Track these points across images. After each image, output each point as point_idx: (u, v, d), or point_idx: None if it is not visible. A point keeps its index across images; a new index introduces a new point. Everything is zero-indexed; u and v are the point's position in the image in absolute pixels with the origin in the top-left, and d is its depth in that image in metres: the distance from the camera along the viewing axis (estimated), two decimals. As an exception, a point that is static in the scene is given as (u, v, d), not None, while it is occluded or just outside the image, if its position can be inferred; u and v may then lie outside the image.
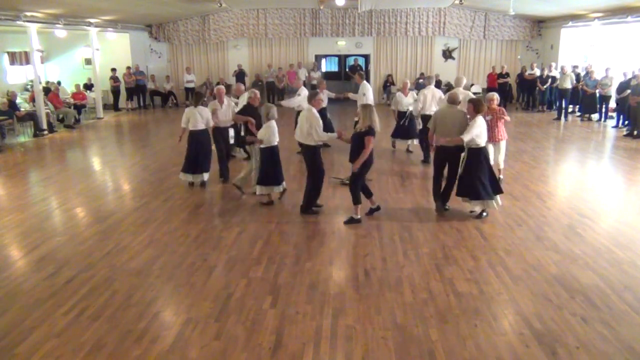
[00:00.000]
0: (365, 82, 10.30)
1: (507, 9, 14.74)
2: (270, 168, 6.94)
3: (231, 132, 8.38)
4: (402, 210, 6.88)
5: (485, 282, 4.83)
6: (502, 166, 8.13)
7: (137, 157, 10.80)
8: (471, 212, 6.72)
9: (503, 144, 7.91)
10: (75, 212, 7.20)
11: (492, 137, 7.52)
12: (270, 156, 6.91)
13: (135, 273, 5.10)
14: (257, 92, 7.82)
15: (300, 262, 5.32)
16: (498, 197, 6.54)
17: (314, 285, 4.78)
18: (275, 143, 6.90)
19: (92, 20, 15.00)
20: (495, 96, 7.74)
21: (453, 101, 6.84)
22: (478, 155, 6.37)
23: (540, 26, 18.06)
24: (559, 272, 5.01)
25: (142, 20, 17.71)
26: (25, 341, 3.91)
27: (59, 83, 16.58)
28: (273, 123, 6.83)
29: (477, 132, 6.26)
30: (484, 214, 6.62)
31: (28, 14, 11.98)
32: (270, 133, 6.80)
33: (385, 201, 7.23)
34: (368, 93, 10.05)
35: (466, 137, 6.22)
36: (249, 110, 7.61)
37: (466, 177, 6.43)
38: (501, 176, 8.07)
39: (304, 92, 9.83)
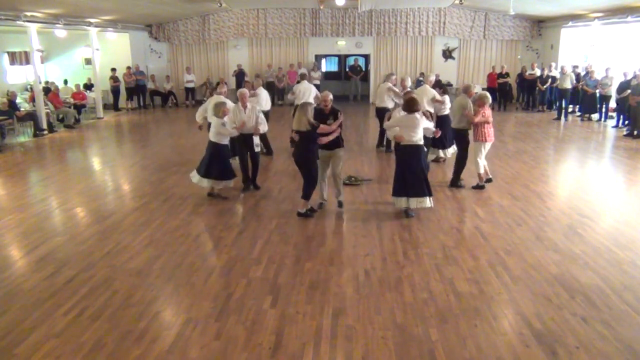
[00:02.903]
0: (305, 82, 10.92)
1: (507, 9, 14.73)
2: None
3: (256, 139, 7.66)
4: (402, 210, 6.87)
5: (485, 282, 4.83)
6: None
7: (137, 157, 10.79)
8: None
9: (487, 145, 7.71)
10: (75, 212, 7.20)
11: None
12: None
13: (135, 273, 5.10)
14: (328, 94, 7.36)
15: (300, 262, 5.32)
16: (403, 199, 6.50)
17: (314, 285, 4.78)
18: None
19: (92, 20, 15.00)
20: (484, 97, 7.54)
21: (464, 91, 7.93)
22: (402, 153, 6.50)
23: (540, 26, 18.05)
24: (559, 272, 5.01)
25: (142, 20, 17.70)
26: (25, 341, 3.91)
27: (65, 82, 16.72)
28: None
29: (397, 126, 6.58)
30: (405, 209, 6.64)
31: (28, 14, 11.98)
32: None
33: (385, 202, 7.23)
34: (307, 92, 10.65)
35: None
36: (319, 115, 6.56)
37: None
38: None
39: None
